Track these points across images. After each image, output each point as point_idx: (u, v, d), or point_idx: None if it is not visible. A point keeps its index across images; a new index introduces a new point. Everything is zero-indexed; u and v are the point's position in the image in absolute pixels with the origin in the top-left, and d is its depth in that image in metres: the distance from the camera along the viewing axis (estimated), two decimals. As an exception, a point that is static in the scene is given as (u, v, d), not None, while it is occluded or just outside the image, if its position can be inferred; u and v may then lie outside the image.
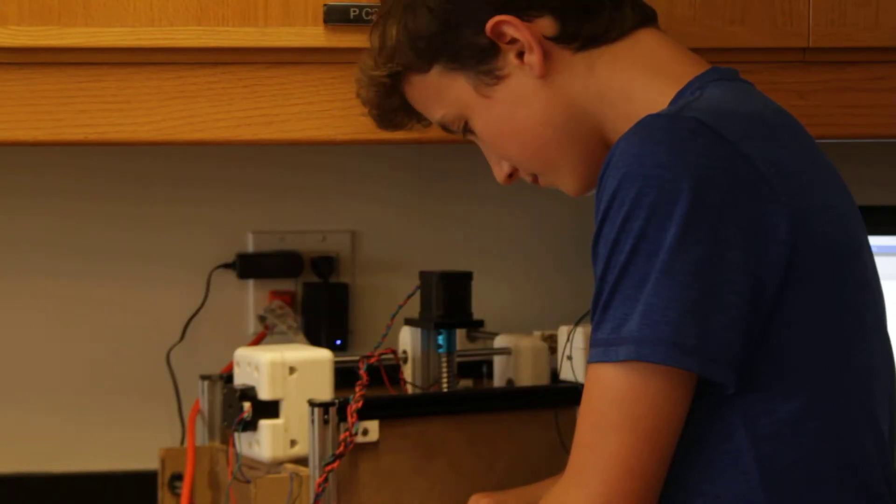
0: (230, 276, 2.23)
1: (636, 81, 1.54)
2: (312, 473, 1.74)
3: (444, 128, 1.66)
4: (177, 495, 1.99)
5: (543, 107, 1.57)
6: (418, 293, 1.94)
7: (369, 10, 1.80)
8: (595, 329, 1.39)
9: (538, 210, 2.30)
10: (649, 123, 1.39)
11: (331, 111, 1.84)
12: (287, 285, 2.24)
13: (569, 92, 1.56)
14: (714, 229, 1.35)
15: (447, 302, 1.92)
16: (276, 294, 2.23)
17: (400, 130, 1.72)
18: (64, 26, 1.78)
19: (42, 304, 2.21)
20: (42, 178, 2.20)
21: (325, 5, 1.81)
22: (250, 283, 2.24)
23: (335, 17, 1.81)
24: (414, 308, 1.94)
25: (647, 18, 1.58)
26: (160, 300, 2.22)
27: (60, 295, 2.21)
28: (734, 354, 1.36)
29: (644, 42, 1.56)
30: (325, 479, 1.72)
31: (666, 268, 1.34)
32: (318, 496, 1.72)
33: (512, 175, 1.66)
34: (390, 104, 1.68)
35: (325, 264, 2.24)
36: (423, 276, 1.94)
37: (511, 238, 2.30)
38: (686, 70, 1.53)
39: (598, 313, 1.38)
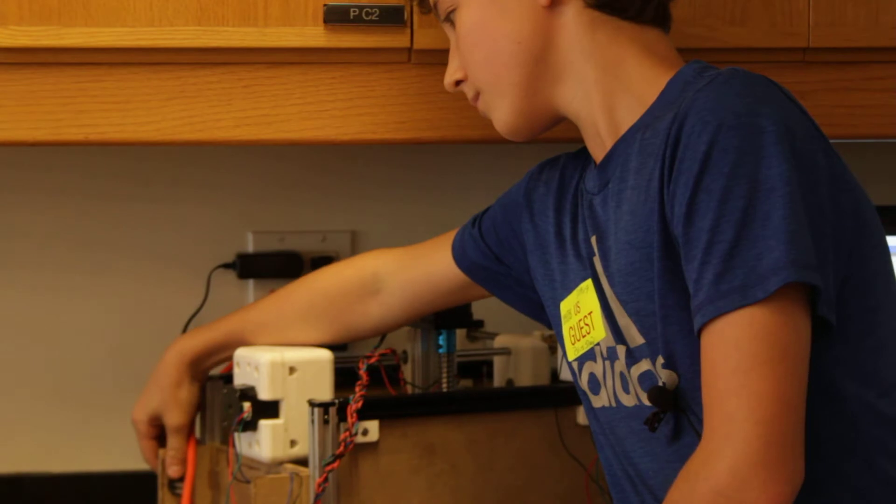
0: (230, 275, 2.23)
1: (631, 58, 1.56)
2: (312, 473, 1.74)
3: (434, 7, 1.64)
4: (177, 495, 1.99)
5: (528, 29, 1.57)
6: (418, 293, 1.94)
7: (369, 9, 1.80)
8: (717, 280, 1.37)
9: (538, 210, 2.29)
10: (728, 80, 1.42)
11: (331, 111, 1.84)
12: (287, 285, 2.24)
13: (559, 33, 1.57)
14: (810, 171, 1.39)
15: (447, 302, 1.92)
16: (276, 294, 2.22)
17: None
18: (64, 26, 1.78)
19: (42, 303, 2.21)
20: (42, 178, 2.20)
21: (325, 5, 1.81)
22: (250, 283, 2.24)
23: (335, 17, 1.81)
24: (414, 308, 1.94)
25: (664, 22, 1.60)
26: (160, 300, 2.22)
27: (60, 294, 2.21)
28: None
29: (650, 35, 1.57)
30: (325, 479, 1.72)
31: (787, 200, 1.36)
32: (318, 496, 1.72)
33: (458, 84, 1.65)
34: None
35: (325, 264, 2.24)
36: (423, 276, 1.94)
37: (511, 238, 2.30)
38: (676, 62, 1.57)
39: (721, 263, 1.37)
